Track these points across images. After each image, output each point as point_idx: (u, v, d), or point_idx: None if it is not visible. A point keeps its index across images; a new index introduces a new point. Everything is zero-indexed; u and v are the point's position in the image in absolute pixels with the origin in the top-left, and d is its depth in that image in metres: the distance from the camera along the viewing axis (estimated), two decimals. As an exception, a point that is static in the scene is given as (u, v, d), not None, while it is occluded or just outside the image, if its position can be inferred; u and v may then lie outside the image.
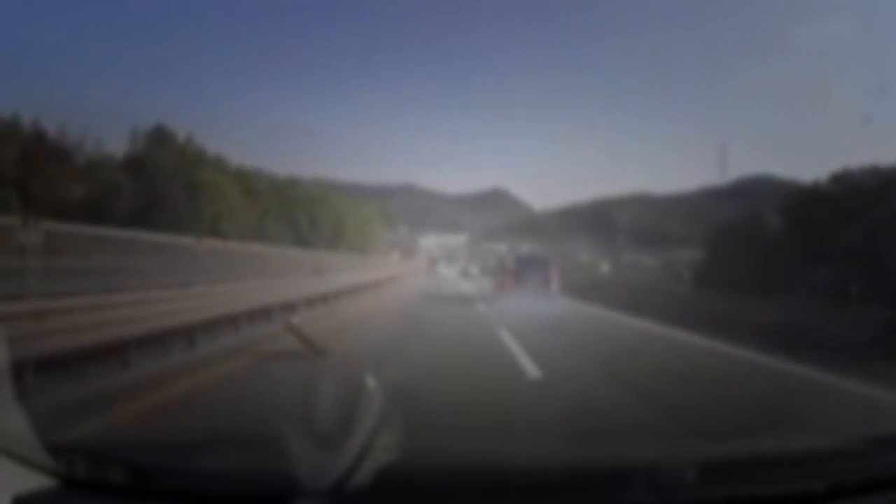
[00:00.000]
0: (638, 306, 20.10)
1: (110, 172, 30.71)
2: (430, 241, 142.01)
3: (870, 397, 7.99)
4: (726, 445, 3.02)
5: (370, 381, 2.22)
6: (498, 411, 6.71)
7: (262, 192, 39.51)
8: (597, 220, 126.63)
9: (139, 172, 30.73)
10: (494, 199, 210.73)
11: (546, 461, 2.37)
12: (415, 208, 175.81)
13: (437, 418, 5.91)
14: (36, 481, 1.85)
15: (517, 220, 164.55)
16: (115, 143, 37.27)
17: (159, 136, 36.40)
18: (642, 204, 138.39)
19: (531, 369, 9.31)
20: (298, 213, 41.61)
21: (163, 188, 29.44)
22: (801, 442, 2.88)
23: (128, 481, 1.90)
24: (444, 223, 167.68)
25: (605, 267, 76.46)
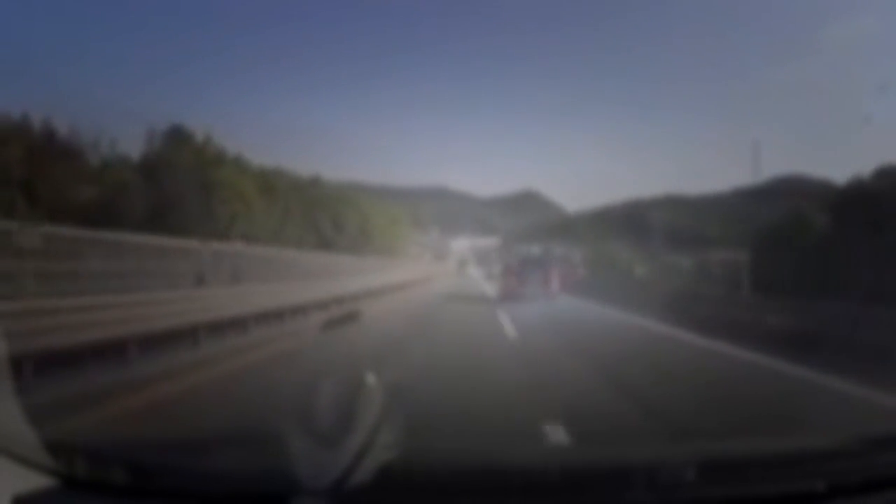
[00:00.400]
0: (708, 323, 14.99)
1: (122, 173, 29.96)
2: (462, 244, 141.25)
3: None
4: (726, 445, 2.96)
5: (370, 380, 2.26)
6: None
7: (283, 193, 38.51)
8: (630, 221, 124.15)
9: (153, 173, 29.93)
10: (526, 201, 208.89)
11: (546, 461, 2.38)
12: (446, 211, 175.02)
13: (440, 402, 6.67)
14: (36, 481, 1.87)
15: (550, 221, 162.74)
16: (133, 144, 36.64)
17: (176, 136, 35.59)
18: (675, 205, 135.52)
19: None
20: (321, 214, 40.57)
21: (176, 189, 28.60)
22: (801, 442, 2.85)
23: (128, 481, 1.90)
24: (476, 225, 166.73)
25: (639, 269, 74.49)
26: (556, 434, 5.30)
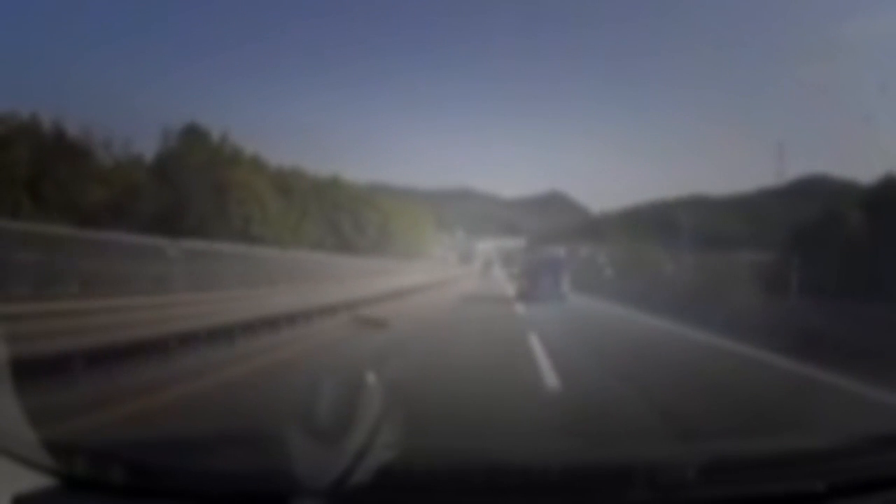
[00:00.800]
0: (791, 339, 11.64)
1: (131, 173, 29.34)
2: (487, 245, 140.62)
3: None
4: (726, 445, 2.96)
5: (370, 379, 2.25)
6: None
7: (301, 193, 37.66)
8: (657, 222, 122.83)
9: (164, 173, 29.22)
10: (552, 202, 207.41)
11: (546, 461, 2.29)
12: (471, 212, 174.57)
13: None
14: (36, 481, 1.87)
15: (576, 222, 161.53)
16: (148, 143, 36.01)
17: (191, 135, 34.90)
18: (701, 206, 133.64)
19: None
20: (341, 215, 39.54)
21: (188, 189, 27.84)
22: (801, 442, 2.82)
23: (128, 480, 1.90)
24: (501, 227, 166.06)
25: (668, 266, 73.38)
26: (557, 432, 5.46)
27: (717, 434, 5.39)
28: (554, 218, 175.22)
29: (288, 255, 20.50)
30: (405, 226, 51.72)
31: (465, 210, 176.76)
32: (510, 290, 35.88)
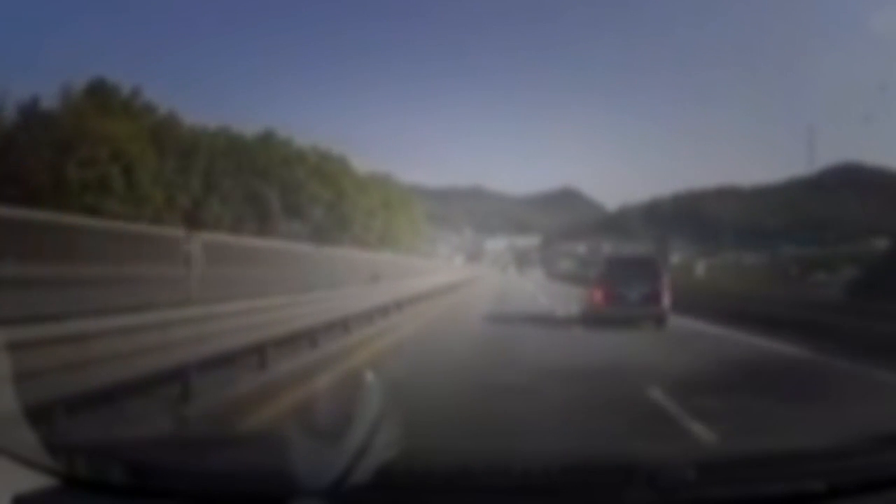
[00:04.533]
0: None
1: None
2: (498, 244, 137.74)
3: None
4: (726, 445, 3.07)
5: (370, 378, 2.17)
6: None
7: (186, 150, 31.38)
8: (682, 215, 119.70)
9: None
10: (565, 199, 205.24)
11: (546, 461, 2.24)
12: (482, 210, 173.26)
13: None
14: (36, 481, 1.88)
15: (592, 219, 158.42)
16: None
17: (98, 92, 28.87)
18: (730, 197, 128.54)
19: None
20: (266, 184, 32.87)
21: (35, 147, 24.05)
22: (801, 442, 2.82)
23: (128, 481, 1.90)
24: (512, 225, 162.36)
25: (700, 268, 65.41)
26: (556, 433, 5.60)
27: None
28: (568, 215, 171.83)
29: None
30: (370, 208, 42.85)
31: (475, 208, 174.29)
32: (554, 302, 27.37)
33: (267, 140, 38.53)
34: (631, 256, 25.29)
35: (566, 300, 26.40)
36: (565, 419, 7.08)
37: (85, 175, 25.65)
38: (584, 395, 8.14)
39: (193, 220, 24.54)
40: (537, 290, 41.13)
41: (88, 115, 28.08)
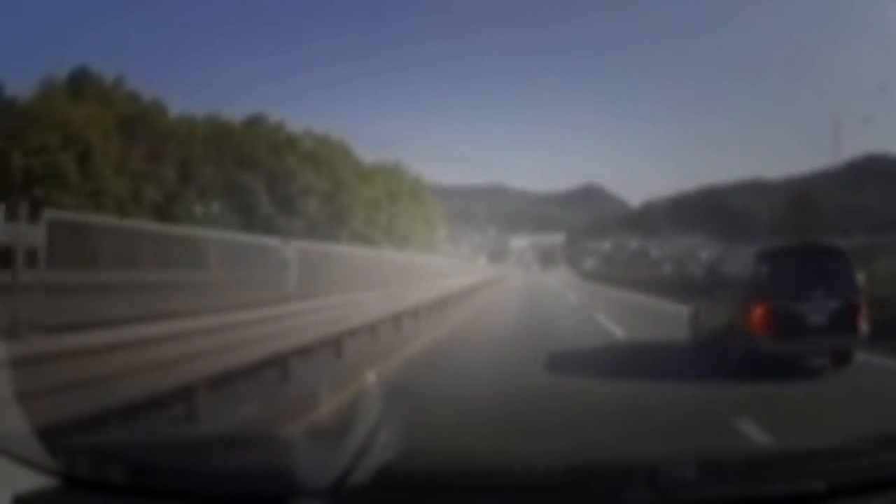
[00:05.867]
0: None
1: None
2: (522, 242, 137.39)
3: None
4: (726, 445, 2.93)
5: (370, 379, 2.43)
6: None
7: (162, 136, 28.84)
8: (708, 209, 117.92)
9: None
10: (587, 196, 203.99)
11: (546, 461, 2.28)
12: (504, 209, 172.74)
13: None
14: (36, 481, 1.88)
15: (616, 215, 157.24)
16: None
17: (80, 80, 27.74)
18: (755, 190, 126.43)
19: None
20: (249, 173, 29.79)
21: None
22: (801, 442, 2.80)
23: (128, 480, 1.90)
24: (535, 223, 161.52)
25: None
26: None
27: None
28: (591, 212, 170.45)
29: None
30: (373, 200, 37.75)
31: (498, 207, 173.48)
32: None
33: (254, 125, 34.08)
34: (802, 247, 12.87)
35: (625, 315, 21.29)
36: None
37: (31, 164, 23.80)
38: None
39: (165, 215, 22.60)
40: (572, 293, 35.13)
41: (50, 101, 26.20)
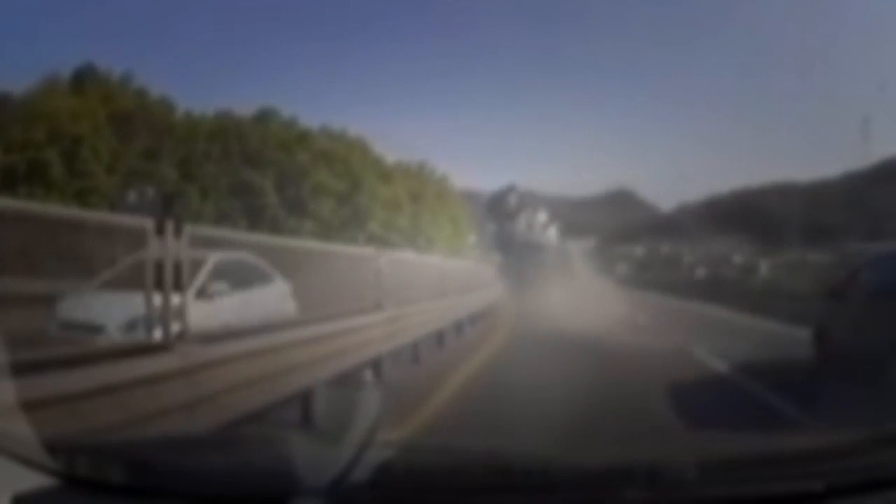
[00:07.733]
0: None
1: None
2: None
3: None
4: (726, 445, 2.96)
5: (369, 378, 2.50)
6: None
7: (153, 130, 28.29)
8: (740, 213, 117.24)
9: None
10: (618, 200, 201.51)
11: (546, 460, 2.33)
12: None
13: None
14: (36, 480, 1.90)
15: (647, 219, 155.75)
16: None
17: (85, 78, 28.39)
18: (787, 193, 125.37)
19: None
20: (257, 171, 28.39)
21: None
22: (801, 442, 2.84)
23: (128, 480, 1.92)
24: (567, 228, 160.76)
25: (763, 268, 64.19)
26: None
27: None
28: (622, 216, 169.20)
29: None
30: (394, 200, 34.70)
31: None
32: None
33: (263, 120, 31.97)
34: None
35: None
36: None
37: (12, 160, 22.69)
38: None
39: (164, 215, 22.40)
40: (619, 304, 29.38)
41: (40, 97, 25.13)
